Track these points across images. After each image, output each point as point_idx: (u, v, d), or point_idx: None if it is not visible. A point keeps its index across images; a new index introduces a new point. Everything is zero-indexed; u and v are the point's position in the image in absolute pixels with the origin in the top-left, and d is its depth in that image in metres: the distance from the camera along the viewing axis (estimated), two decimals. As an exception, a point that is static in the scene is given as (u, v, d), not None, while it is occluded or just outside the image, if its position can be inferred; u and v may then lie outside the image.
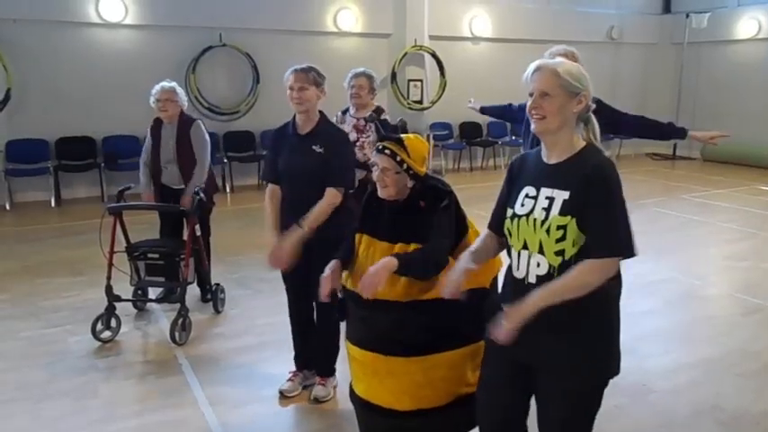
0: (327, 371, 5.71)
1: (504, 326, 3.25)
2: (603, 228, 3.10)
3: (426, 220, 4.00)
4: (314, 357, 5.77)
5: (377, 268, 3.87)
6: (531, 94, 3.25)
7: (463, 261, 3.62)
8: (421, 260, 3.95)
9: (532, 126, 3.29)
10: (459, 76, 17.73)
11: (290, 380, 5.78)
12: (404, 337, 4.03)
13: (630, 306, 7.42)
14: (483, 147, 18.46)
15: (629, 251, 3.14)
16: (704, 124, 20.13)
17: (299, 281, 5.42)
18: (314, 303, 5.55)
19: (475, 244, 3.72)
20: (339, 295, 4.36)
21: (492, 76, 17.87)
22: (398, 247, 4.04)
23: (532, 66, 3.29)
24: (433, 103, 17.44)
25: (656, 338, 6.92)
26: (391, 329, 4.05)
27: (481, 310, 3.74)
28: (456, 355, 4.05)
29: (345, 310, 4.37)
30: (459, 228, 4.11)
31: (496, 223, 3.55)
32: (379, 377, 4.17)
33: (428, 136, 16.75)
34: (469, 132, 18.35)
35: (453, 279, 3.56)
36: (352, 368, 4.39)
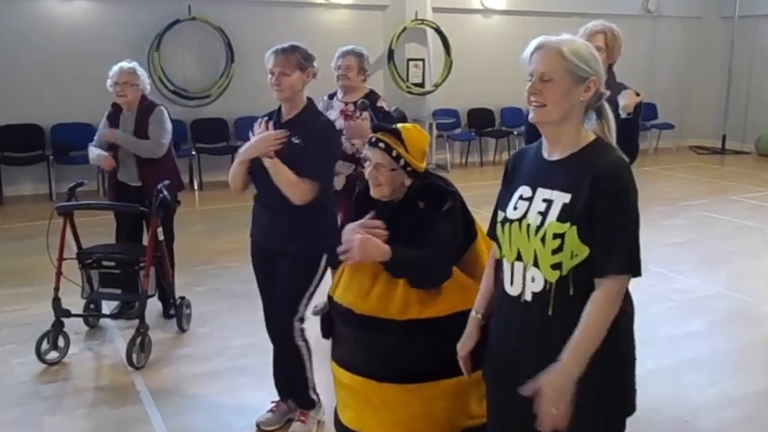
0: (304, 403, 5.65)
1: (553, 413, 3.08)
2: (614, 242, 3.03)
3: (426, 224, 3.99)
4: (291, 385, 5.74)
5: (369, 240, 3.87)
6: (530, 77, 3.19)
7: (473, 326, 3.64)
8: (416, 265, 3.95)
9: (530, 115, 3.23)
10: (468, 55, 17.71)
11: (270, 410, 5.76)
12: (400, 361, 4.05)
13: (671, 328, 7.46)
14: (496, 138, 18.48)
15: (636, 271, 3.08)
16: (758, 111, 20.23)
17: (271, 296, 5.43)
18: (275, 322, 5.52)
19: (484, 280, 3.66)
20: (315, 310, 4.37)
21: (506, 55, 17.51)
22: (392, 256, 4.04)
23: (533, 43, 3.22)
24: (437, 86, 17.45)
25: (700, 366, 6.89)
26: (386, 352, 4.06)
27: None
28: (459, 383, 4.04)
29: (331, 326, 4.37)
30: (466, 234, 4.10)
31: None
32: (372, 406, 4.17)
33: (430, 125, 16.82)
34: (479, 120, 18.35)
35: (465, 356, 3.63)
36: (338, 394, 4.40)
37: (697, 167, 18.49)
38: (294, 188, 5.02)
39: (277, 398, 5.80)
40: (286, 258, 5.20)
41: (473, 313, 3.65)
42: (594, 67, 3.16)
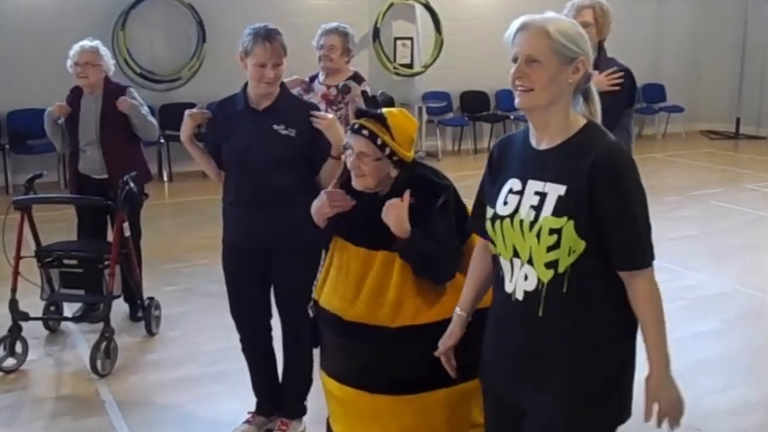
0: (294, 411, 5.67)
1: (673, 424, 3.25)
2: (627, 235, 3.04)
3: (419, 222, 3.96)
4: (281, 395, 5.73)
5: (403, 210, 3.92)
6: (514, 60, 3.18)
7: (457, 325, 3.69)
8: (431, 254, 3.92)
9: (516, 100, 3.21)
10: (460, 32, 17.72)
11: (247, 422, 5.75)
12: (392, 370, 4.03)
13: (681, 327, 7.45)
14: (491, 123, 18.44)
15: (653, 258, 3.10)
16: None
17: (250, 302, 5.41)
18: (282, 322, 5.51)
19: (469, 275, 3.71)
20: (310, 313, 4.36)
21: (502, 33, 17.16)
22: (381, 256, 4.03)
23: (515, 24, 3.21)
24: (427, 66, 17.48)
25: (712, 369, 6.93)
26: (377, 361, 4.04)
27: None
28: (458, 392, 4.04)
29: (318, 334, 4.37)
30: (461, 230, 4.08)
31: (479, 221, 3.50)
32: (364, 419, 4.17)
33: (420, 109, 16.83)
34: (473, 104, 18.39)
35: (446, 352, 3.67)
36: (329, 405, 4.39)
37: (709, 154, 18.55)
38: (337, 171, 4.89)
39: (254, 408, 5.79)
40: (283, 255, 5.18)
41: (457, 310, 3.69)
42: (583, 46, 3.16)
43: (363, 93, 7.11)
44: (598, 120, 3.27)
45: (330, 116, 5.14)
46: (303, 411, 5.69)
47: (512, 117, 18.13)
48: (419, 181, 4.06)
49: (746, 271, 9.58)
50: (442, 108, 17.97)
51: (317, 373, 4.72)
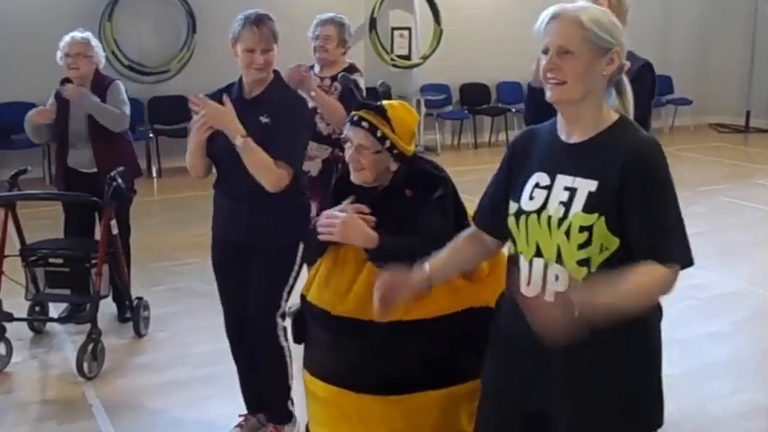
0: (280, 416, 5.66)
1: (551, 318, 2.96)
2: (654, 229, 3.01)
3: (414, 214, 3.97)
4: (263, 397, 5.75)
5: (355, 221, 3.85)
6: (544, 52, 3.16)
7: (417, 274, 3.49)
8: (405, 256, 3.90)
9: (548, 94, 3.19)
10: (460, 22, 17.66)
11: (239, 425, 5.76)
12: (381, 368, 4.03)
13: (690, 329, 7.46)
14: (491, 116, 18.50)
15: (686, 259, 3.05)
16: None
17: (237, 298, 5.43)
18: (254, 324, 5.47)
19: (445, 249, 3.59)
20: (288, 311, 4.36)
21: (504, 23, 17.75)
22: (376, 252, 4.03)
23: (547, 13, 3.17)
24: (425, 58, 17.46)
25: (723, 372, 6.92)
26: (365, 359, 4.04)
27: (484, 337, 3.64)
28: (448, 395, 4.05)
29: (304, 330, 4.36)
30: (458, 226, 4.08)
31: (488, 218, 3.49)
32: (348, 421, 4.16)
33: (418, 102, 16.77)
34: (474, 97, 18.37)
35: (387, 295, 3.47)
36: (310, 408, 4.39)
37: (718, 148, 18.58)
38: (270, 173, 4.96)
39: (245, 411, 5.80)
40: (260, 252, 5.21)
41: (425, 266, 3.51)
42: (617, 36, 3.14)
43: (355, 82, 7.08)
44: (631, 114, 3.26)
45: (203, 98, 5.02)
46: (289, 416, 5.66)
47: (513, 110, 18.15)
48: (419, 175, 4.06)
49: (757, 270, 9.58)
50: (441, 101, 17.95)
51: (300, 373, 4.69)
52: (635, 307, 3.00)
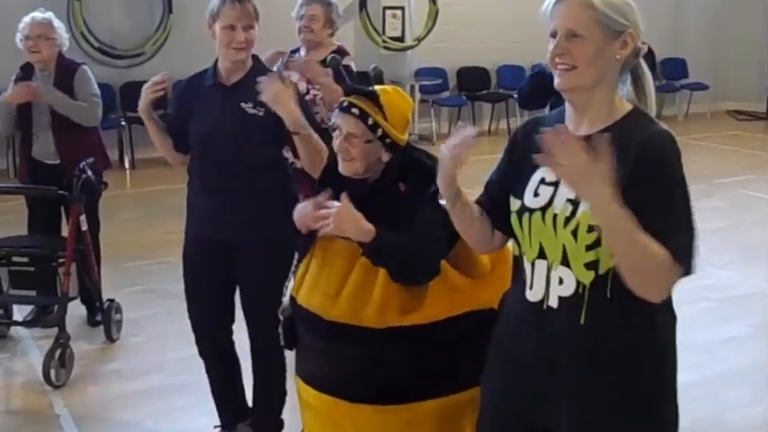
0: (270, 426, 5.67)
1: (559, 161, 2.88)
2: (661, 231, 2.92)
3: (408, 209, 3.96)
4: (248, 406, 5.74)
5: (350, 213, 3.84)
6: (552, 35, 3.12)
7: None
8: (403, 252, 3.89)
9: (556, 81, 3.16)
10: (457, 1, 17.69)
11: (216, 438, 5.77)
12: (376, 377, 4.02)
13: (707, 332, 7.47)
14: (491, 102, 18.50)
15: (687, 265, 2.99)
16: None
17: (211, 302, 5.41)
18: (249, 327, 5.49)
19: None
20: (282, 315, 4.35)
21: (504, 2, 17.74)
22: (366, 250, 4.01)
23: None
24: (420, 40, 17.51)
25: (741, 379, 6.91)
26: (359, 366, 4.03)
27: (485, 342, 3.63)
28: (448, 404, 4.05)
29: (295, 335, 4.35)
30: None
31: (493, 205, 3.46)
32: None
33: (412, 87, 16.81)
34: (472, 82, 18.38)
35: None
36: (304, 416, 4.39)
37: (736, 136, 18.63)
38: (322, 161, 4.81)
39: (219, 423, 5.79)
40: (246, 250, 5.19)
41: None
42: (630, 17, 3.11)
43: (346, 67, 7.07)
44: (651, 103, 3.23)
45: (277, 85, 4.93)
46: (279, 426, 5.68)
47: (514, 96, 17.94)
48: (413, 165, 4.05)
49: (778, 268, 9.58)
50: (437, 86, 17.91)
51: (292, 380, 4.69)
52: (630, 260, 2.90)
